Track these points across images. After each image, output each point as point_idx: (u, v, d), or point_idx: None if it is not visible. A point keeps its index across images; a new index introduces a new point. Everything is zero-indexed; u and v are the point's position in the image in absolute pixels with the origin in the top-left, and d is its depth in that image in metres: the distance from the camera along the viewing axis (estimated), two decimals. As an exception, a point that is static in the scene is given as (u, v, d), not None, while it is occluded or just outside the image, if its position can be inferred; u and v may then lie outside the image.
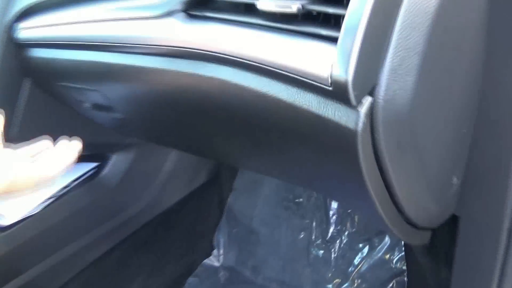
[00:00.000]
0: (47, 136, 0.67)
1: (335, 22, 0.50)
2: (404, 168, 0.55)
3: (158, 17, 0.63)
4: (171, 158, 1.26)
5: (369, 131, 0.46)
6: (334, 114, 0.46)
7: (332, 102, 0.46)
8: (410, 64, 0.45)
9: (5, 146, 0.59)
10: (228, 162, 1.16)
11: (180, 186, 1.34)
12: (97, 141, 1.04)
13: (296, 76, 0.47)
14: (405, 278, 1.27)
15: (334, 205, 1.40)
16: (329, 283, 1.36)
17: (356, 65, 0.41)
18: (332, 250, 1.38)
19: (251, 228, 1.48)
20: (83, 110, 0.93)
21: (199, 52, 0.58)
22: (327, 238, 1.39)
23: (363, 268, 1.34)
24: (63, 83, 0.86)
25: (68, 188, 1.04)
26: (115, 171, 1.13)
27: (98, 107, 0.89)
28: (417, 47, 0.46)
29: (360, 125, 0.44)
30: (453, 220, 0.69)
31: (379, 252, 1.33)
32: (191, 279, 1.46)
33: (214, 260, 1.52)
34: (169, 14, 0.62)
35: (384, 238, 1.33)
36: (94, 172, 1.10)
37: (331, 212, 1.40)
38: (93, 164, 1.12)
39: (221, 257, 1.51)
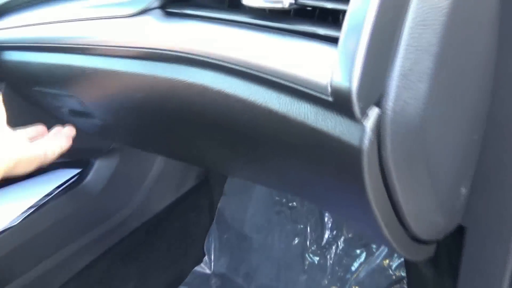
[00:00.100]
0: (41, 123, 0.70)
1: (333, 19, 0.43)
2: (412, 184, 0.49)
3: (133, 15, 0.57)
4: (158, 162, 1.22)
5: (376, 147, 0.39)
6: (335, 128, 0.39)
7: (332, 114, 0.39)
8: (422, 68, 0.38)
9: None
10: (216, 169, 1.11)
11: (168, 190, 1.31)
12: (78, 146, 0.99)
13: (289, 84, 0.40)
14: (405, 286, 1.23)
15: (329, 209, 1.35)
16: (326, 291, 1.32)
17: (361, 70, 0.34)
18: (328, 256, 1.34)
19: (243, 233, 1.43)
20: (61, 116, 0.89)
21: (178, 55, 0.51)
22: (323, 244, 1.35)
23: (361, 275, 1.30)
24: (37, 88, 0.81)
25: (50, 196, 1.00)
26: (99, 177, 1.09)
27: (76, 113, 0.84)
28: (430, 48, 0.39)
29: (366, 142, 0.37)
30: (459, 230, 0.66)
31: (377, 258, 1.28)
32: (181, 288, 1.42)
33: (205, 267, 1.48)
34: (144, 11, 0.56)
35: (382, 243, 1.28)
36: (76, 179, 1.07)
37: (326, 217, 1.35)
38: (75, 171, 1.08)
39: (212, 264, 1.47)
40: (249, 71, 0.43)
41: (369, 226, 0.56)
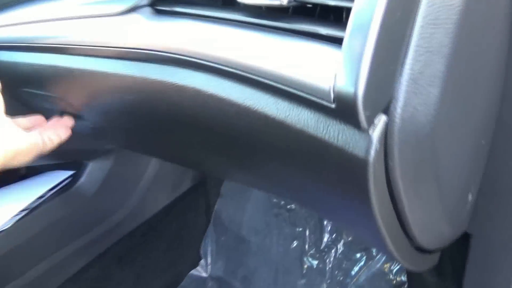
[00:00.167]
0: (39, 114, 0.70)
1: (335, 17, 0.39)
2: (419, 195, 0.46)
3: (121, 13, 0.53)
4: (153, 163, 1.21)
5: (382, 158, 0.35)
6: (337, 137, 0.35)
7: (335, 122, 0.35)
8: (434, 71, 0.35)
9: None
10: (211, 173, 1.09)
11: (163, 192, 1.29)
12: (71, 147, 0.99)
13: (287, 88, 0.37)
14: (406, 291, 1.21)
15: (329, 212, 1.32)
16: (325, 296, 1.29)
17: (368, 74, 0.30)
18: (327, 260, 1.32)
19: (240, 236, 1.41)
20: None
21: (168, 56, 0.47)
22: (322, 247, 1.34)
23: (361, 280, 1.28)
24: (27, 89, 0.79)
25: (43, 199, 0.99)
26: (93, 179, 1.07)
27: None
28: (442, 50, 0.35)
29: (372, 153, 0.33)
30: (463, 237, 0.65)
31: (377, 262, 1.26)
32: (177, 292, 1.40)
33: (201, 271, 1.47)
34: (133, 9, 0.52)
35: (383, 247, 1.25)
36: (69, 181, 1.05)
37: (325, 220, 1.33)
38: (68, 173, 1.06)
39: (209, 267, 1.48)
40: (243, 73, 0.40)
41: (371, 235, 0.54)
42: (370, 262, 1.27)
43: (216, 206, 1.46)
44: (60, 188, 1.03)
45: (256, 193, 1.41)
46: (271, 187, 0.71)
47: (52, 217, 0.99)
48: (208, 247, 1.46)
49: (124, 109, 0.65)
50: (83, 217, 1.08)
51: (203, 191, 1.43)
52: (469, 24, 0.39)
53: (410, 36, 0.34)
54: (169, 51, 0.46)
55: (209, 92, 0.45)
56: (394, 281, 1.23)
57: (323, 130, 0.36)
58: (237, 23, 0.42)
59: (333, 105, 0.33)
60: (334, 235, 1.33)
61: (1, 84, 0.67)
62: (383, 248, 0.53)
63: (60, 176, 1.06)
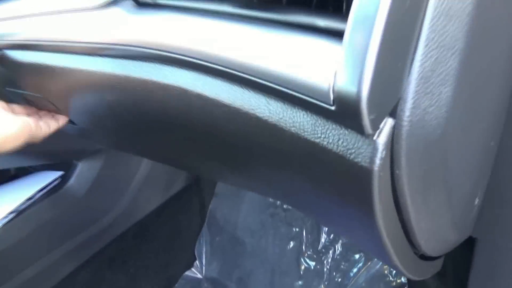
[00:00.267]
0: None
1: (335, 7, 0.35)
2: (427, 203, 0.42)
3: (101, 7, 0.49)
4: (145, 163, 1.20)
5: (388, 166, 0.31)
6: (337, 143, 0.31)
7: (335, 126, 0.31)
8: (446, 68, 0.31)
9: None
10: (204, 176, 1.06)
11: (156, 192, 1.27)
12: (60, 147, 0.97)
13: (280, 88, 0.32)
14: (406, 293, 1.18)
15: (326, 212, 1.29)
16: (322, 298, 1.25)
17: (374, 72, 0.26)
18: (325, 261, 1.31)
19: (235, 236, 1.40)
20: (38, 118, 0.82)
21: (151, 52, 0.43)
22: (319, 248, 1.32)
23: (360, 281, 1.26)
24: (9, 89, 0.75)
25: (32, 200, 0.98)
26: (83, 179, 1.05)
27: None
28: (455, 44, 0.31)
29: (377, 161, 0.29)
30: (467, 241, 0.63)
31: (377, 263, 1.23)
32: (172, 294, 1.38)
33: (196, 272, 1.49)
34: (113, 3, 0.48)
35: (382, 248, 1.22)
36: (59, 182, 1.03)
37: (323, 221, 1.30)
38: (57, 173, 1.05)
39: (204, 268, 1.49)
40: (232, 71, 0.35)
41: (371, 245, 0.50)
42: (369, 263, 1.24)
43: (210, 206, 1.46)
44: (50, 189, 1.02)
45: (252, 193, 1.39)
46: (267, 192, 0.67)
47: (41, 219, 0.98)
48: (203, 248, 1.46)
49: (109, 109, 0.61)
50: (73, 219, 1.06)
51: (197, 191, 1.42)
52: (483, 16, 0.35)
53: (420, 28, 0.30)
54: (152, 47, 0.42)
55: (196, 92, 0.41)
56: (394, 283, 1.20)
57: (321, 134, 0.32)
58: (225, 15, 0.38)
59: (332, 107, 0.29)
60: (331, 235, 1.31)
61: None
62: (385, 258, 0.50)
63: (49, 177, 1.04)
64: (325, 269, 1.29)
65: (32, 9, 0.58)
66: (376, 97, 0.27)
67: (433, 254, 0.56)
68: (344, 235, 1.14)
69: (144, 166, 1.18)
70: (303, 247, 1.32)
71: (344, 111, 0.29)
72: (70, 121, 0.76)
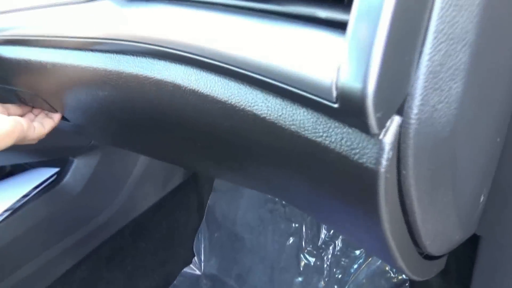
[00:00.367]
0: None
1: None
2: (434, 204, 0.40)
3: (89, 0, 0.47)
4: (142, 159, 1.19)
5: (395, 166, 0.29)
6: (340, 143, 0.29)
7: (338, 125, 0.29)
8: (456, 62, 0.29)
9: None
10: (202, 173, 1.04)
11: (153, 188, 1.25)
12: (55, 144, 0.95)
13: (279, 84, 0.30)
14: (407, 290, 1.17)
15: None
16: (322, 294, 1.25)
17: (380, 66, 0.24)
18: (325, 257, 1.29)
19: (234, 232, 1.39)
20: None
21: (143, 46, 0.41)
22: (319, 244, 1.31)
23: (360, 278, 1.24)
24: (1, 85, 0.74)
25: (27, 198, 0.97)
26: (78, 176, 1.04)
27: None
28: (465, 36, 0.29)
29: (384, 162, 0.27)
30: (471, 239, 0.61)
31: (377, 260, 1.22)
32: (170, 291, 1.38)
33: (194, 269, 1.49)
34: (104, -6, 0.46)
35: (383, 244, 1.21)
36: (54, 179, 1.02)
37: (323, 216, 1.29)
38: (53, 170, 1.03)
39: (202, 264, 1.47)
40: (227, 66, 0.33)
41: (374, 245, 0.48)
42: (369, 260, 1.23)
43: (208, 202, 1.44)
44: (45, 187, 1.01)
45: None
46: (266, 190, 0.65)
47: (37, 216, 0.97)
48: (201, 244, 1.45)
49: (102, 106, 0.59)
50: (69, 216, 1.05)
51: (195, 187, 1.40)
52: (493, 7, 0.33)
53: (428, 19, 0.27)
54: (143, 41, 0.40)
55: (190, 88, 0.39)
56: (395, 279, 1.19)
57: (322, 133, 0.30)
58: (219, 6, 0.36)
59: (335, 105, 0.27)
60: (331, 231, 1.29)
61: None
62: (388, 260, 0.48)
63: (44, 174, 1.03)
64: (325, 265, 1.28)
65: (22, 4, 0.56)
66: (382, 94, 0.25)
67: (438, 254, 0.54)
68: (346, 236, 1.13)
69: (141, 162, 1.17)
70: (303, 243, 1.31)
71: (348, 109, 0.27)
72: (64, 118, 0.74)
